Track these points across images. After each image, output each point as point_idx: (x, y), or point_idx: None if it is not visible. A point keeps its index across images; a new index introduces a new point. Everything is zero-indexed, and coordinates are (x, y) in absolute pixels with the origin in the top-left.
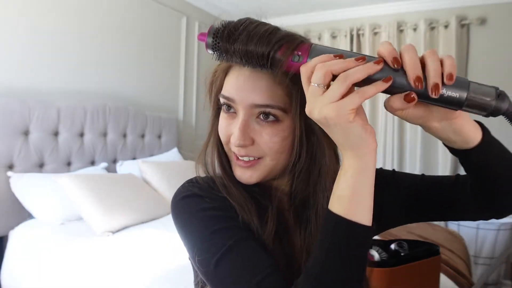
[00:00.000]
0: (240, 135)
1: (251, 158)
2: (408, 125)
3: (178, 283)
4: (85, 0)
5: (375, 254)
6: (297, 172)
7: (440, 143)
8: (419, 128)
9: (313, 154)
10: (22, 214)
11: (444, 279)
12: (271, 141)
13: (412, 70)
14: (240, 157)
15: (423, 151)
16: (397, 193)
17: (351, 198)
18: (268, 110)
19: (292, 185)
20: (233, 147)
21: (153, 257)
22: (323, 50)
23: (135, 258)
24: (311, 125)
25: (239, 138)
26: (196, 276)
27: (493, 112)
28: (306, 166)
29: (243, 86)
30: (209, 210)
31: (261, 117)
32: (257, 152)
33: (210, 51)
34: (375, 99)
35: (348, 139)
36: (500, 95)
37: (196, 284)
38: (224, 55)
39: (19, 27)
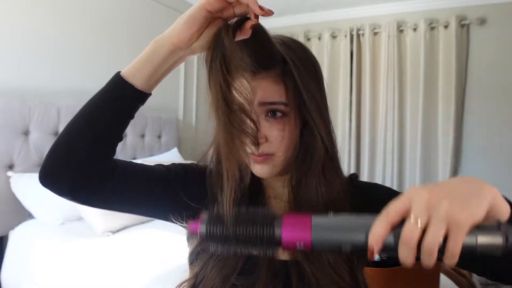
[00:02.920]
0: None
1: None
2: (408, 125)
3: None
4: (84, 0)
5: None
6: (293, 160)
7: (440, 143)
8: (419, 128)
9: (307, 144)
10: (22, 214)
11: (444, 279)
12: (281, 136)
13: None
14: (256, 156)
15: (423, 151)
16: None
17: (134, 62)
18: (274, 107)
19: (288, 173)
20: (250, 147)
21: (153, 257)
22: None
23: (135, 258)
24: (305, 116)
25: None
26: (192, 251)
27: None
28: (301, 155)
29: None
30: (180, 166)
31: (270, 115)
32: (269, 149)
33: (206, 241)
34: (375, 99)
35: None
36: (507, 231)
37: (189, 256)
38: (223, 244)
39: (19, 27)
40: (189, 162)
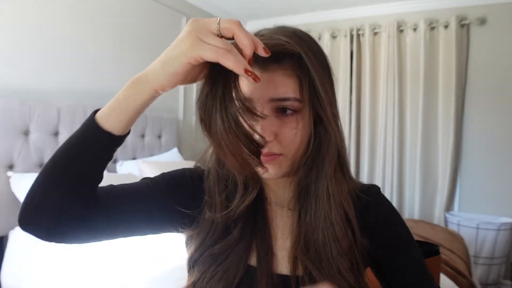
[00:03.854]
0: (263, 131)
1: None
2: (408, 125)
3: (178, 283)
4: (84, 0)
5: None
6: (304, 161)
7: (440, 143)
8: (419, 128)
9: (320, 142)
10: None
11: (444, 279)
12: (292, 134)
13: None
14: (263, 155)
15: (423, 151)
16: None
17: (110, 104)
18: (286, 103)
19: (297, 173)
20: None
21: (153, 257)
22: None
23: (135, 258)
24: (319, 114)
25: (263, 134)
26: (190, 257)
27: None
28: (312, 154)
29: (257, 84)
30: (169, 176)
31: (280, 111)
32: (278, 148)
33: None
34: (375, 99)
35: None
36: None
37: (188, 261)
38: None
39: (20, 27)
40: (180, 168)
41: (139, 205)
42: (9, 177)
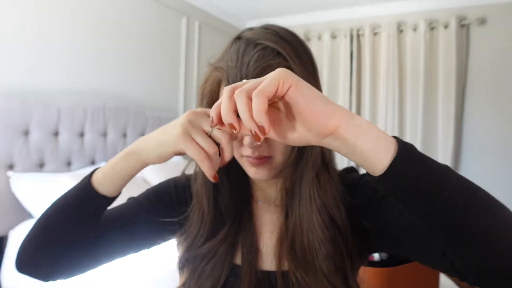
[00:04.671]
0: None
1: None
2: (408, 125)
3: (171, 284)
4: (84, 0)
5: (375, 254)
6: (289, 163)
7: (439, 143)
8: (419, 128)
9: (303, 146)
10: (22, 214)
11: (444, 279)
12: None
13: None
14: (253, 158)
15: (423, 151)
16: (386, 222)
17: (108, 171)
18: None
19: (283, 174)
20: (247, 149)
21: (153, 257)
22: None
23: (135, 258)
24: None
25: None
26: (179, 258)
27: None
28: (295, 157)
29: None
30: (153, 191)
31: None
32: (268, 150)
33: None
34: (375, 99)
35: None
36: None
37: (177, 263)
38: None
39: (20, 27)
40: (167, 179)
41: (126, 228)
42: (9, 177)
